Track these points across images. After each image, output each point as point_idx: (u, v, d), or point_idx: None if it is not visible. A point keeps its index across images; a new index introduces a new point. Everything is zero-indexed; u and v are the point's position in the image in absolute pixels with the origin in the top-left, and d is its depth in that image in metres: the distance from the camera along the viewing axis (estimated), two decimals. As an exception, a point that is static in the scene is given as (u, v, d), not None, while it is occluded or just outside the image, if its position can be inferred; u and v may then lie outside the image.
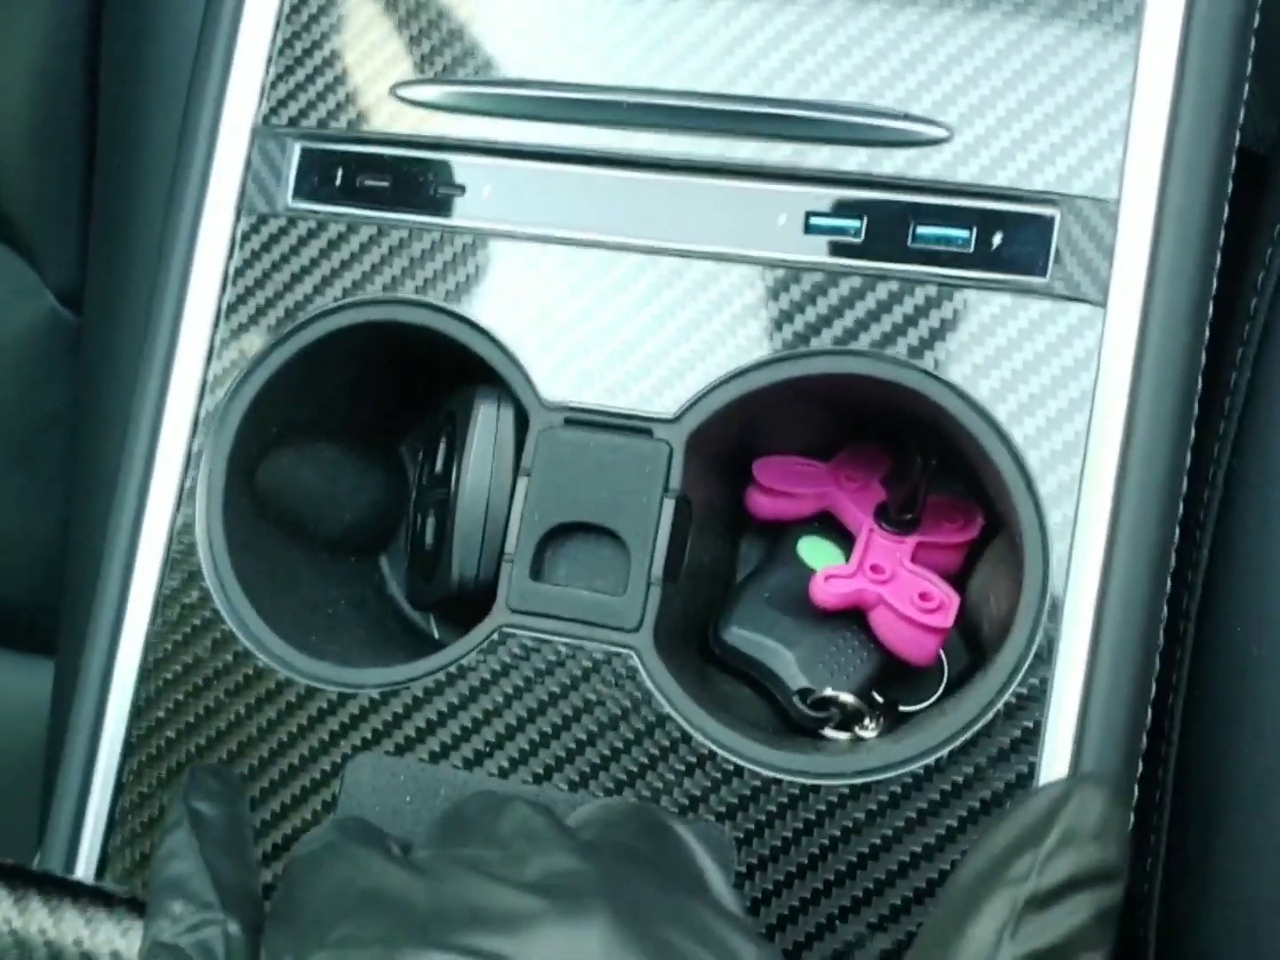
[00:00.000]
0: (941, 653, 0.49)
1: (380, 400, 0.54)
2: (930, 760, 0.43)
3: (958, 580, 0.49)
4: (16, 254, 0.71)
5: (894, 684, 0.49)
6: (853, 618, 0.49)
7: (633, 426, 0.46)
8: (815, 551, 0.50)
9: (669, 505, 0.45)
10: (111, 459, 0.68)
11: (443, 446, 0.50)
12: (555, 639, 0.46)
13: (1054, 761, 0.42)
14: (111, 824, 0.48)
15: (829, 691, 0.48)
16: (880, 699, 0.49)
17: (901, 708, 0.49)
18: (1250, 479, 0.48)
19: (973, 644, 0.50)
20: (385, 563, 0.55)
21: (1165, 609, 0.43)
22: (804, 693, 0.48)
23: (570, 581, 0.46)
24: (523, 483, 0.47)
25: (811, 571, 0.49)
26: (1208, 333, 0.44)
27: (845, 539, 0.50)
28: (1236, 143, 0.45)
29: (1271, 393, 0.48)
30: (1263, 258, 0.50)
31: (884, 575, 0.48)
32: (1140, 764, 0.43)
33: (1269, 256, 0.49)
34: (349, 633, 0.51)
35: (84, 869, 0.48)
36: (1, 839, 0.79)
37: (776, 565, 0.50)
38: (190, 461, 0.50)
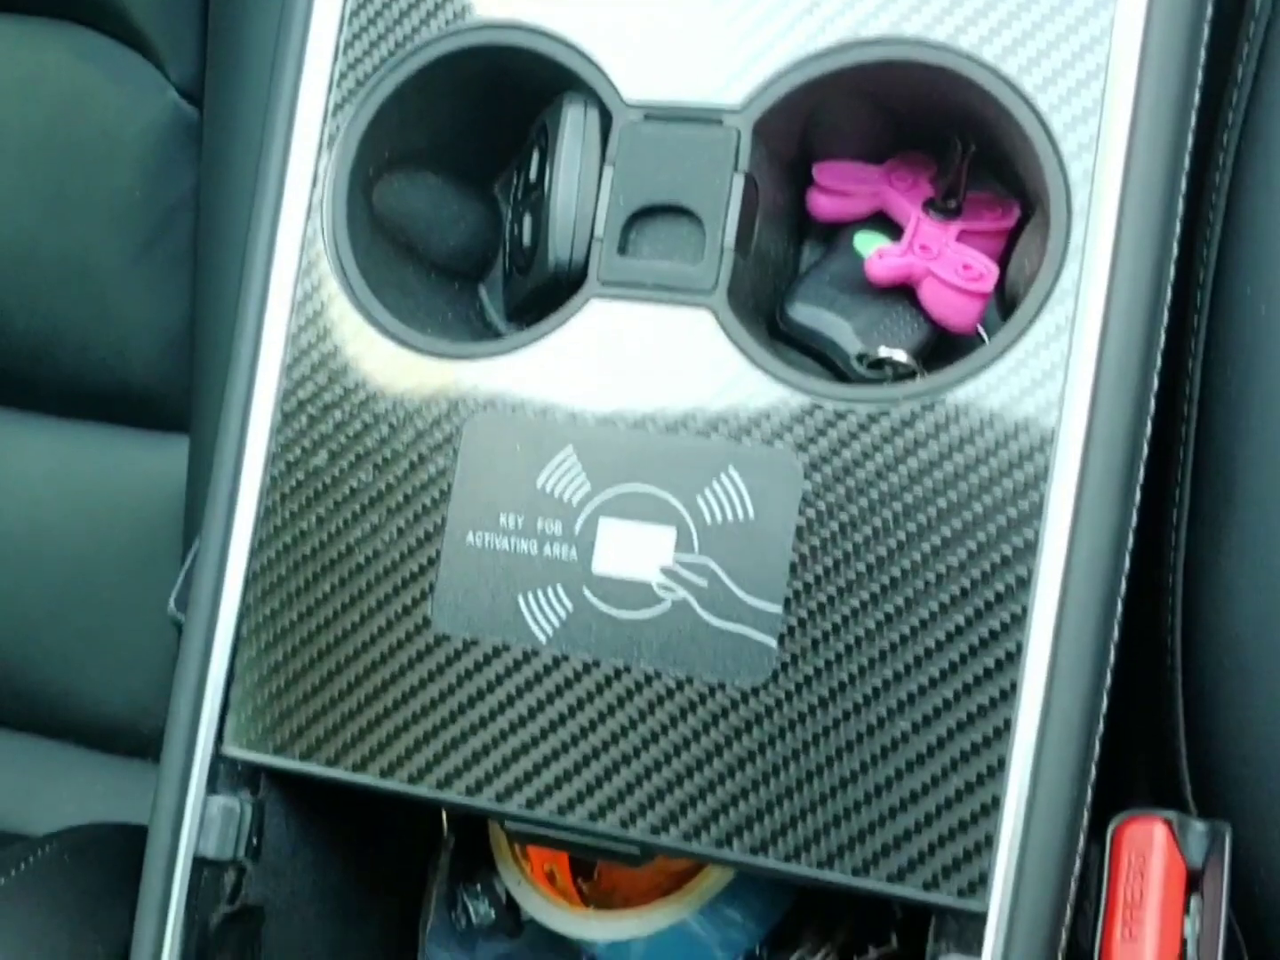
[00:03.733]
0: (982, 329, 0.55)
1: (478, 137, 0.60)
2: (971, 384, 0.49)
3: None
4: (141, 55, 0.77)
5: (942, 363, 0.55)
6: (903, 293, 0.55)
7: (705, 117, 0.52)
8: (869, 242, 0.55)
9: (739, 182, 0.52)
10: (234, 240, 0.75)
11: (535, 157, 0.56)
12: (641, 304, 0.52)
13: (1078, 387, 0.48)
14: (263, 491, 0.55)
15: (884, 352, 0.54)
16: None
17: (950, 379, 0.55)
18: (1257, 175, 0.54)
19: (1011, 323, 0.56)
20: (484, 291, 0.62)
21: (1176, 250, 0.49)
22: (861, 356, 0.54)
23: (653, 256, 0.53)
24: (608, 173, 0.53)
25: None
26: (1210, 8, 0.50)
27: (896, 235, 0.56)
28: None
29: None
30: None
31: (931, 253, 0.54)
32: (1153, 403, 0.49)
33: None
34: (457, 336, 0.58)
35: (242, 532, 0.55)
36: (139, 608, 0.87)
37: (835, 255, 0.56)
38: (317, 179, 0.56)
